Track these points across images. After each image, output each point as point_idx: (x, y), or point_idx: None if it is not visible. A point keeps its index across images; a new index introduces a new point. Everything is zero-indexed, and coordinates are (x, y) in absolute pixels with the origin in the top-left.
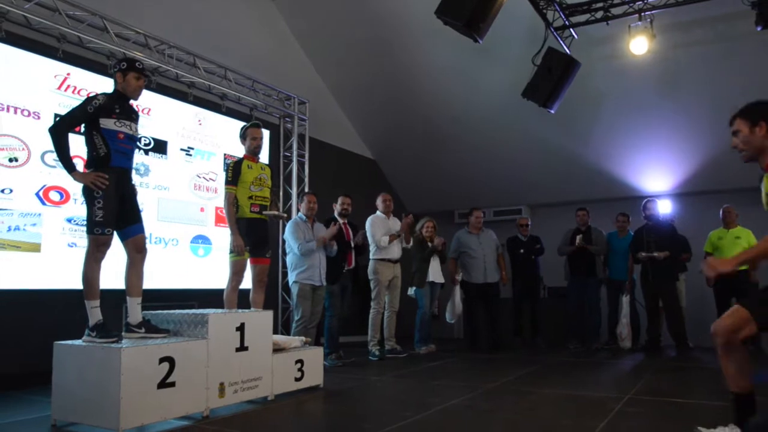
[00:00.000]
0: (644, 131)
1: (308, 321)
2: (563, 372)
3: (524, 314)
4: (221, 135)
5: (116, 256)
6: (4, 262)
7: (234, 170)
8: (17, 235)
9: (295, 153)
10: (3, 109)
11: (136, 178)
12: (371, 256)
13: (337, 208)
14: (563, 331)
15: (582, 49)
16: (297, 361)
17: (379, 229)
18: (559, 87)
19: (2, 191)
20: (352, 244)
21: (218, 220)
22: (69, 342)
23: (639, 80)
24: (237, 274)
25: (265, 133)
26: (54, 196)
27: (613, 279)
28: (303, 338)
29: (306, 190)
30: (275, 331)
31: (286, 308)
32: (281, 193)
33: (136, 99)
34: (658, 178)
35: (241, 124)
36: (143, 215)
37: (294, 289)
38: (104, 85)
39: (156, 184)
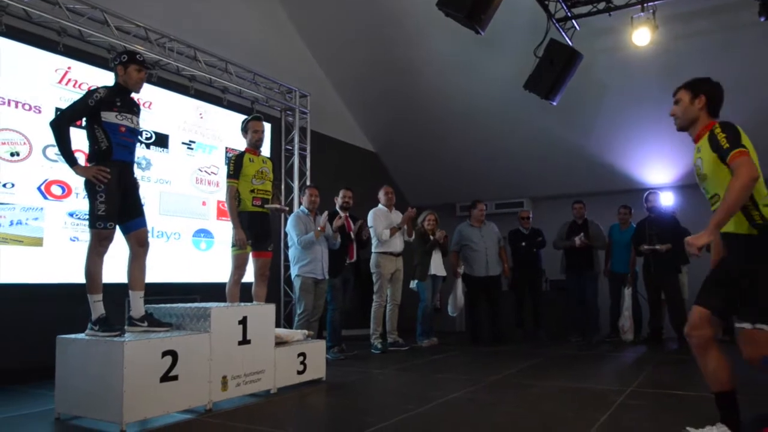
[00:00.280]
0: (646, 123)
1: (311, 314)
2: (565, 365)
3: (526, 307)
4: (222, 128)
5: (118, 250)
6: (6, 257)
7: (236, 164)
8: (19, 229)
9: (296, 146)
10: (4, 104)
11: (137, 172)
12: (373, 250)
13: (338, 201)
14: (565, 324)
15: (584, 41)
16: (299, 355)
17: (381, 222)
18: (561, 79)
19: (4, 185)
20: (353, 237)
21: (220, 213)
22: (72, 336)
23: (641, 72)
24: (239, 267)
25: (267, 126)
26: (56, 190)
27: (615, 272)
28: (305, 331)
29: (308, 183)
30: (278, 325)
31: (289, 302)
32: (283, 187)
33: (137, 92)
34: (660, 171)
35: (243, 117)
36: (145, 209)
37: (296, 283)
38: (105, 78)
39: (157, 178)
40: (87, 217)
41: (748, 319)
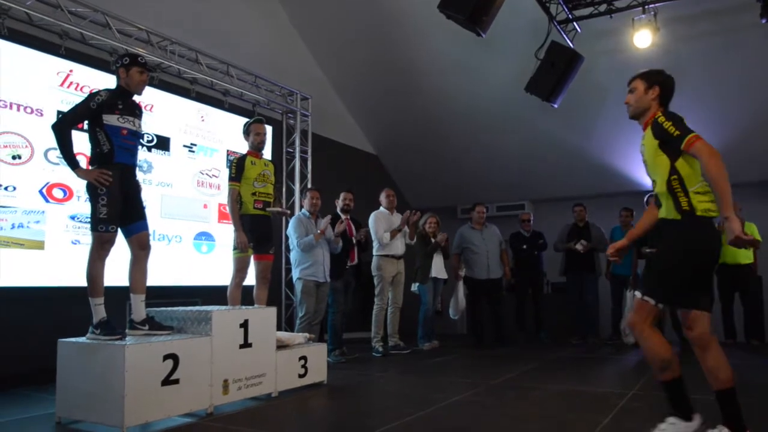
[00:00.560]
0: None
1: (312, 317)
2: (567, 367)
3: (527, 310)
4: (224, 131)
5: (119, 253)
6: (7, 260)
7: (237, 166)
8: (21, 232)
9: (297, 149)
10: (6, 107)
11: (139, 175)
12: (375, 252)
13: (339, 204)
14: (566, 326)
15: (585, 43)
16: (301, 358)
17: (382, 225)
18: (563, 81)
19: (5, 189)
20: (354, 241)
21: (221, 216)
22: (73, 339)
23: None
24: (240, 270)
25: (268, 129)
26: (57, 193)
27: (617, 274)
28: (307, 335)
29: (309, 186)
30: (279, 328)
31: (290, 305)
32: (284, 189)
33: (139, 94)
34: None
35: (244, 120)
36: (146, 212)
37: (298, 286)
38: (107, 81)
39: (159, 181)
40: (88, 220)
41: (641, 289)
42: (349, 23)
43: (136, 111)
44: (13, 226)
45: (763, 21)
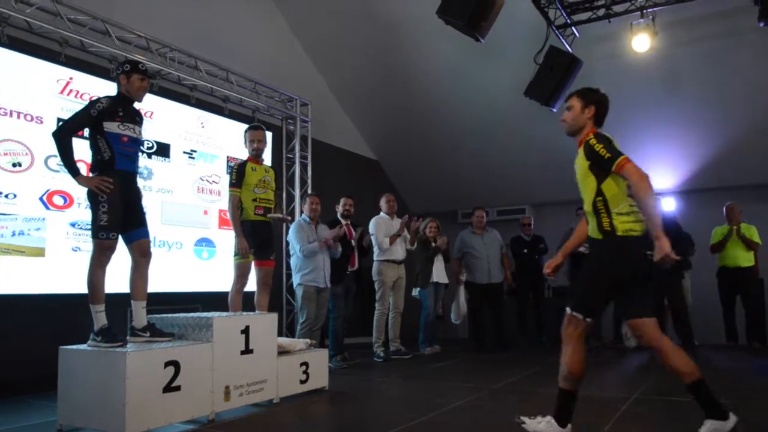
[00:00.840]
0: (647, 129)
1: (313, 323)
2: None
3: (528, 314)
4: (224, 137)
5: (120, 260)
6: (8, 267)
7: (238, 173)
8: (21, 239)
9: (297, 155)
10: (6, 114)
11: (139, 182)
12: (375, 258)
13: (339, 209)
14: None
15: (584, 48)
16: (302, 364)
17: (382, 230)
18: (561, 85)
19: (6, 196)
20: (353, 244)
21: (222, 222)
22: (74, 347)
23: (641, 78)
24: (241, 276)
25: (268, 135)
26: (58, 200)
27: None
28: (308, 340)
29: (309, 191)
30: (280, 334)
31: (291, 310)
32: (284, 195)
33: (140, 101)
34: (661, 176)
35: (244, 126)
36: (147, 219)
37: (298, 291)
38: (107, 88)
39: (159, 188)
40: (89, 227)
41: (569, 304)
42: (349, 29)
43: (136, 118)
44: (13, 234)
45: (761, 24)
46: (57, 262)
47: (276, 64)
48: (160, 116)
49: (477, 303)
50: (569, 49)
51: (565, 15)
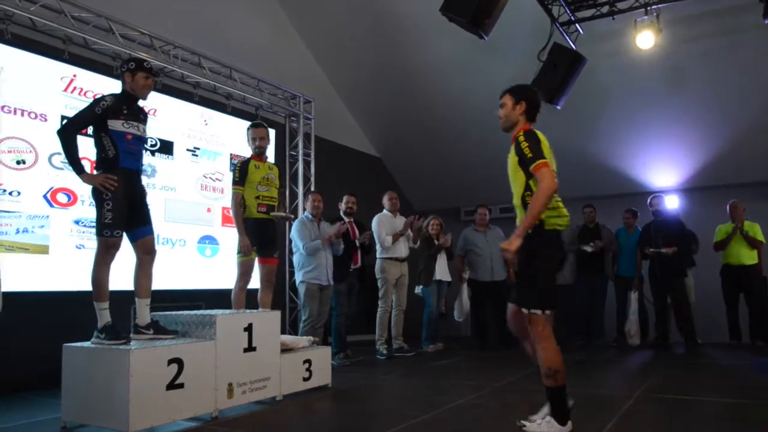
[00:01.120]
0: (651, 126)
1: (316, 320)
2: (571, 370)
3: None
4: (227, 135)
5: (123, 257)
6: (12, 265)
7: (241, 170)
8: (25, 237)
9: (300, 152)
10: (10, 112)
11: (142, 179)
12: (378, 255)
13: (342, 206)
14: (570, 328)
15: (588, 45)
16: (305, 361)
17: (385, 228)
18: (565, 83)
19: (10, 194)
20: (358, 243)
21: (225, 220)
22: (78, 344)
23: (645, 75)
24: (245, 274)
25: (271, 133)
26: (62, 198)
27: (621, 276)
28: (311, 338)
29: (312, 189)
30: (283, 331)
31: (294, 308)
32: (287, 193)
33: (144, 99)
34: (665, 174)
35: (247, 123)
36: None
37: (301, 289)
38: (110, 85)
39: (162, 185)
40: (93, 224)
41: (523, 304)
42: (352, 26)
43: (140, 116)
44: (17, 231)
45: (766, 21)
46: (61, 259)
47: (279, 62)
48: (164, 113)
49: (480, 301)
50: (573, 46)
51: (569, 12)
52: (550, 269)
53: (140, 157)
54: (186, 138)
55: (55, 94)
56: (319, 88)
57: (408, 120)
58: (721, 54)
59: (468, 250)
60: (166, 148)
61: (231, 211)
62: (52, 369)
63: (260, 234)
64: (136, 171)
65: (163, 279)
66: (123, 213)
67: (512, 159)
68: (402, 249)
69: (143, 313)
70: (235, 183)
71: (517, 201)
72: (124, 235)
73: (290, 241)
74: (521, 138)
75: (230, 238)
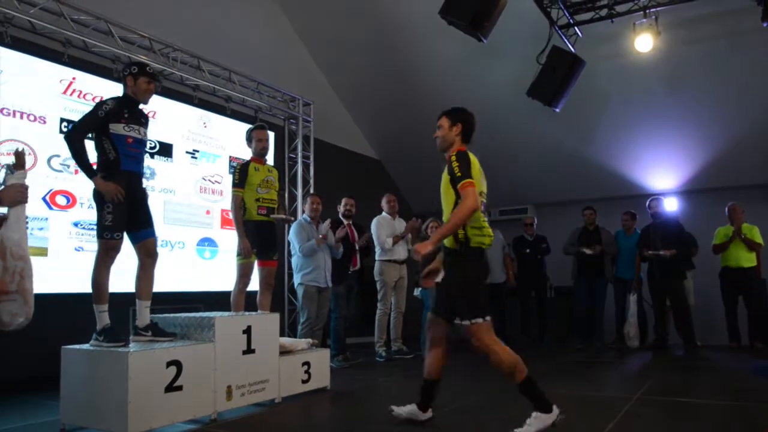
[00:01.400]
0: (650, 129)
1: (314, 323)
2: (571, 372)
3: (531, 314)
4: (226, 137)
5: (121, 259)
6: None
7: (241, 173)
8: None
9: (300, 154)
10: (9, 114)
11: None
12: (377, 257)
13: (341, 209)
14: (570, 330)
15: (587, 48)
16: (304, 364)
17: (384, 230)
18: (564, 86)
19: None
20: (357, 246)
21: (224, 222)
22: (76, 346)
23: (644, 78)
24: (244, 276)
25: (270, 135)
26: (60, 200)
27: (620, 278)
28: (309, 340)
29: (311, 191)
30: (282, 334)
31: (293, 310)
32: (286, 195)
33: (146, 103)
34: (664, 176)
35: (246, 126)
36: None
37: (299, 291)
38: (109, 88)
39: (162, 187)
40: (92, 227)
41: (464, 316)
42: (351, 29)
43: (141, 119)
44: None
45: (765, 24)
46: (60, 261)
47: (278, 64)
48: (163, 116)
49: None
50: (572, 49)
51: (567, 15)
52: (478, 281)
53: (141, 160)
54: (185, 140)
55: (54, 97)
56: (318, 90)
57: (407, 122)
58: (720, 57)
59: None
60: (165, 150)
61: (231, 214)
62: (51, 371)
63: (260, 236)
64: (138, 174)
65: (162, 281)
66: (123, 215)
67: (445, 178)
68: (401, 251)
69: (143, 315)
70: (235, 185)
71: (446, 218)
72: (127, 237)
73: (289, 244)
74: (454, 158)
75: (229, 240)
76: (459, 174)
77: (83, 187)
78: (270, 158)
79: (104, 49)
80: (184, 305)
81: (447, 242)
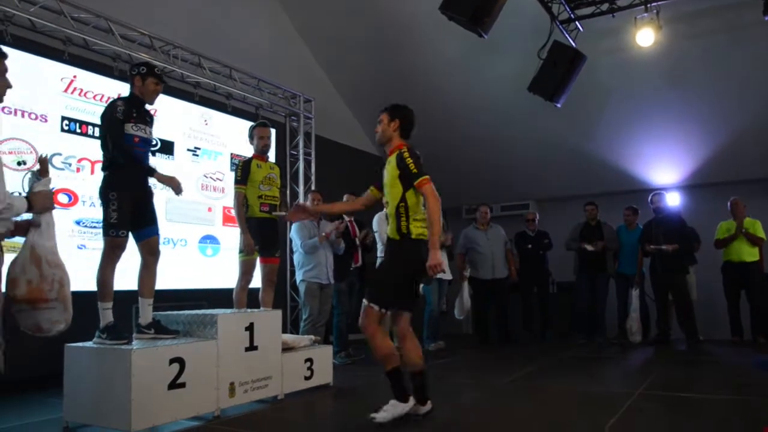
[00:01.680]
0: (651, 124)
1: (316, 319)
2: (573, 367)
3: (533, 309)
4: (227, 134)
5: (124, 257)
6: None
7: (243, 170)
8: None
9: (301, 151)
10: (10, 113)
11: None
12: (379, 254)
13: None
14: (572, 325)
15: (588, 42)
16: (306, 360)
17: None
18: (565, 81)
19: (11, 194)
20: (358, 242)
21: (226, 219)
22: (80, 344)
23: (646, 72)
24: (246, 273)
25: (272, 132)
26: (62, 198)
27: (623, 273)
28: (312, 337)
29: (312, 188)
30: (284, 331)
31: (295, 307)
32: (288, 192)
33: (152, 104)
34: (666, 171)
35: (247, 123)
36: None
37: (301, 288)
38: (110, 86)
39: (163, 185)
40: (94, 225)
41: (367, 297)
42: (351, 25)
43: (147, 119)
44: None
45: (766, 18)
46: (62, 259)
47: (279, 61)
48: (164, 114)
49: (481, 299)
50: (573, 44)
51: (568, 9)
52: (405, 274)
53: (146, 158)
54: (186, 138)
55: (55, 95)
56: (319, 87)
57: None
58: (722, 51)
59: (469, 248)
60: (166, 148)
61: (233, 211)
62: (54, 369)
63: (262, 233)
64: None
65: (164, 279)
66: (128, 213)
67: (392, 172)
68: None
69: (146, 312)
70: (237, 182)
71: (391, 210)
72: (130, 235)
73: (291, 241)
74: (406, 155)
75: (231, 237)
76: (415, 170)
77: (85, 185)
78: (271, 155)
79: (105, 47)
80: (186, 303)
81: (389, 232)
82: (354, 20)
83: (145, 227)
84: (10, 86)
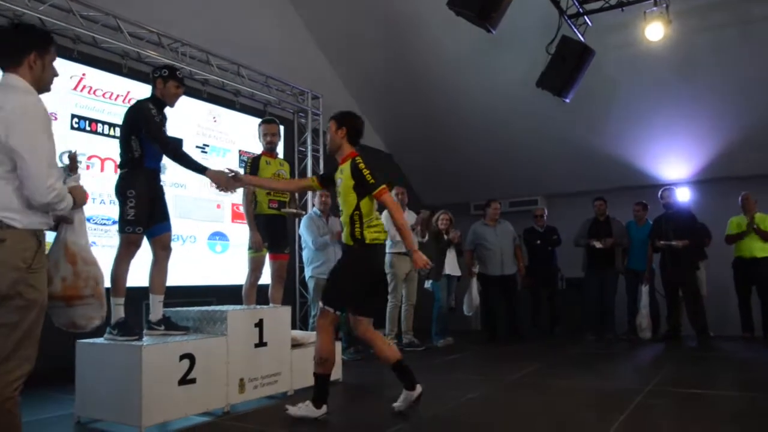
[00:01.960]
0: (661, 118)
1: None
2: (582, 363)
3: (542, 305)
4: (236, 131)
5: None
6: None
7: (252, 166)
8: None
9: (309, 148)
10: None
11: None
12: (387, 250)
13: None
14: (581, 321)
15: (596, 37)
16: None
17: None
18: (574, 75)
19: None
20: None
21: (235, 216)
22: (91, 340)
23: (655, 67)
24: (255, 270)
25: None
26: None
27: (632, 269)
28: None
29: None
30: (293, 327)
31: (304, 303)
32: None
33: (172, 107)
34: (676, 166)
35: (256, 120)
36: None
37: (310, 284)
38: (119, 84)
39: (172, 182)
40: (104, 222)
41: (321, 299)
42: (359, 21)
43: (164, 120)
44: None
45: None
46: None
47: (287, 57)
48: (173, 111)
49: (489, 295)
50: (582, 39)
51: (577, 4)
52: (357, 277)
53: (161, 157)
54: (195, 135)
55: (64, 93)
56: (327, 83)
57: (417, 115)
58: (732, 44)
59: (477, 244)
60: None
61: (242, 208)
62: (66, 365)
63: (271, 230)
64: (157, 170)
65: (173, 275)
66: (145, 210)
67: (347, 181)
68: None
69: (156, 309)
70: None
71: (345, 218)
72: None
73: (300, 237)
74: (361, 165)
75: (240, 234)
76: (372, 181)
77: (95, 182)
78: (280, 152)
79: (114, 44)
80: (196, 299)
81: (344, 238)
82: (362, 17)
83: (158, 223)
84: (56, 74)
